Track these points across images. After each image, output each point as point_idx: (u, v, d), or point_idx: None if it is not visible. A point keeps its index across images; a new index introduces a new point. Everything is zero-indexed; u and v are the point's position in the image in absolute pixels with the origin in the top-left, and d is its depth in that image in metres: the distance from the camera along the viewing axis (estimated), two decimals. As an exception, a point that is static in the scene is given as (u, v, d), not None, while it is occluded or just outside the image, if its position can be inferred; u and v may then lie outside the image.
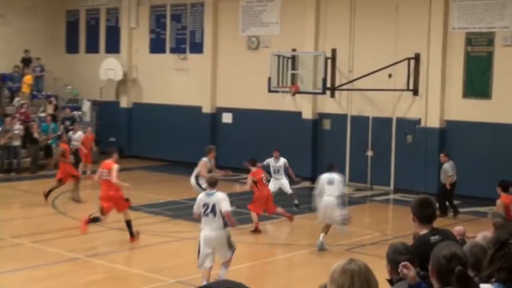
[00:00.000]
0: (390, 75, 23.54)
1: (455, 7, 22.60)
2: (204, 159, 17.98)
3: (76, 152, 26.81)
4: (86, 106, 30.96)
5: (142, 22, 31.21)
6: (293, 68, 23.46)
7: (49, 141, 26.96)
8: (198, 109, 28.92)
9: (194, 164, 27.39)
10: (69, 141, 27.46)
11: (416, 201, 6.68)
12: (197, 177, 17.99)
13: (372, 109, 24.40)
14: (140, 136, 30.65)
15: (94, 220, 15.99)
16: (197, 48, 29.22)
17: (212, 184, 12.36)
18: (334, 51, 24.33)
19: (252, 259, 15.28)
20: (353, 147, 24.79)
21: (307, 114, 25.79)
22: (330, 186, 15.32)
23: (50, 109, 29.35)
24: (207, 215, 12.08)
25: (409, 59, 23.12)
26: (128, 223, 16.05)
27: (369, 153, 24.47)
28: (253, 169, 17.80)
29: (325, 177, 15.53)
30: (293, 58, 23.65)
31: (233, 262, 12.73)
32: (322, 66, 22.74)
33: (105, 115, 31.12)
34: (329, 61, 23.68)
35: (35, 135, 26.70)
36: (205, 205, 12.10)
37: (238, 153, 25.36)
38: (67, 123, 28.53)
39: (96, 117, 31.10)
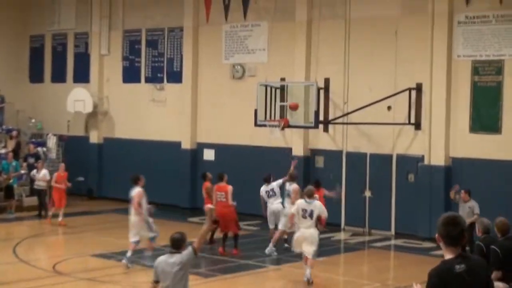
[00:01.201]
0: (389, 107, 23.69)
1: (460, 33, 22.83)
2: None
3: (40, 193, 26.76)
4: (52, 141, 30.92)
5: (114, 49, 31.33)
6: (282, 99, 23.51)
7: (10, 181, 26.84)
8: (177, 145, 28.94)
9: (173, 206, 27.47)
10: (32, 181, 27.43)
11: (441, 218, 6.28)
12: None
13: (369, 144, 24.50)
14: (111, 175, 30.57)
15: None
16: (176, 77, 29.34)
17: (310, 195, 17.02)
18: (327, 81, 24.48)
19: None
20: (349, 187, 24.82)
21: (298, 150, 25.85)
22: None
23: (11, 145, 29.27)
24: (305, 217, 16.75)
25: (410, 89, 23.29)
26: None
27: (367, 193, 24.52)
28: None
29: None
30: (282, 88, 23.73)
31: None
32: (314, 97, 22.83)
33: (73, 151, 31.03)
34: (321, 92, 23.80)
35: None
36: (304, 210, 16.77)
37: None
38: (31, 160, 28.43)
39: (62, 154, 31.02)
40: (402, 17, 23.84)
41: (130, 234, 18.38)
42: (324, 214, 17.14)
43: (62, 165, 26.28)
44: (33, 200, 27.41)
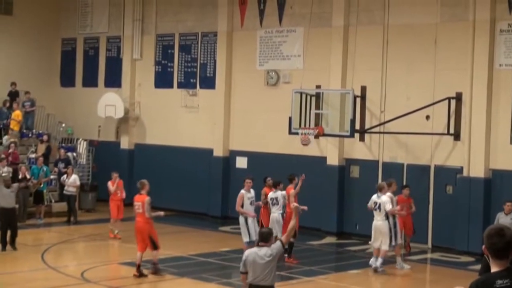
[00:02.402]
0: (427, 117, 23.57)
1: (502, 41, 22.65)
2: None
3: (69, 199, 26.95)
4: (82, 146, 31.13)
5: (146, 53, 31.50)
6: (317, 107, 23.51)
7: (41, 186, 27.04)
8: (208, 152, 29.00)
9: (203, 215, 27.52)
10: (61, 186, 27.63)
11: (487, 229, 6.13)
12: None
13: (406, 155, 24.39)
14: (142, 181, 30.64)
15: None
16: (209, 83, 29.42)
17: (380, 189, 19.57)
18: (363, 89, 24.43)
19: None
20: (384, 198, 24.67)
21: (333, 160, 25.79)
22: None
23: (41, 150, 29.50)
24: (376, 209, 19.34)
25: (449, 98, 23.16)
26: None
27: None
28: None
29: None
30: (317, 95, 23.73)
31: None
32: (350, 105, 22.78)
33: (103, 157, 31.25)
34: (358, 100, 23.75)
35: (26, 179, 26.63)
36: (375, 203, 19.35)
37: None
38: (61, 165, 28.64)
39: (93, 160, 31.26)
40: (441, 25, 23.72)
41: None
42: (387, 206, 19.30)
43: (115, 174, 24.73)
44: (62, 206, 27.62)
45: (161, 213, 18.71)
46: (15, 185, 21.99)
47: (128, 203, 29.40)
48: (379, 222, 19.45)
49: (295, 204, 12.32)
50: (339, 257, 23.00)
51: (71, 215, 26.90)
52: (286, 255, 19.87)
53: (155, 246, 18.18)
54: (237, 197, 19.95)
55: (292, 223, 11.71)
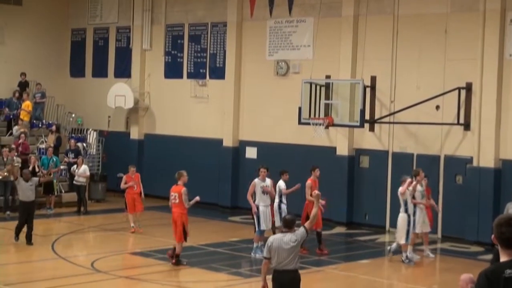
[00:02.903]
0: (437, 107, 23.56)
1: (513, 31, 22.62)
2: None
3: (79, 189, 27.06)
4: (92, 137, 31.24)
5: (156, 43, 31.55)
6: (327, 97, 23.54)
7: (51, 176, 27.13)
8: (218, 142, 29.06)
9: (212, 205, 27.60)
10: (71, 176, 27.73)
11: (496, 219, 6.14)
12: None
13: (416, 145, 24.39)
14: (152, 172, 30.74)
15: None
16: (218, 73, 29.45)
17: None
18: (373, 79, 24.40)
19: None
20: (394, 188, 24.63)
21: (343, 150, 25.81)
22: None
23: (51, 140, 29.59)
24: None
25: (459, 88, 23.13)
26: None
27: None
28: None
29: None
30: (327, 86, 23.74)
31: None
32: (360, 95, 22.79)
33: (113, 147, 31.37)
34: (368, 90, 23.75)
35: (36, 169, 26.74)
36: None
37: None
38: (71, 155, 28.73)
39: (102, 150, 31.36)
40: (452, 15, 23.67)
41: None
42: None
43: (133, 168, 23.97)
44: (72, 196, 27.74)
45: (197, 198, 18.76)
46: (35, 179, 21.99)
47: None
48: (399, 215, 19.61)
49: (317, 192, 12.48)
50: (348, 247, 23.05)
51: (81, 205, 27.03)
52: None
53: (185, 238, 18.46)
54: (250, 185, 20.00)
55: (315, 210, 11.93)
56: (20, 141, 28.03)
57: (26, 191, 20.89)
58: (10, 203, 25.93)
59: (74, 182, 27.43)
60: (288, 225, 11.72)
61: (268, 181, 20.00)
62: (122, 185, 23.61)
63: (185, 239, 18.49)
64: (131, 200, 23.30)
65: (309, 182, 20.16)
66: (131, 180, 23.46)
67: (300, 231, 11.51)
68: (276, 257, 11.38)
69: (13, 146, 27.24)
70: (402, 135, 24.67)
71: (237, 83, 28.80)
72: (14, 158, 26.24)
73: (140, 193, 23.54)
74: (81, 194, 27.15)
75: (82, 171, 27.02)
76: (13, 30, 32.58)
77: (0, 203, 26.07)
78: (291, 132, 26.50)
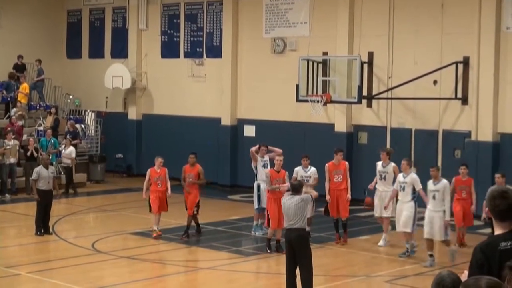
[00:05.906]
0: (435, 82, 23.55)
1: (509, 3, 22.53)
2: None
3: (66, 170, 26.94)
4: (90, 118, 31.24)
5: (152, 23, 31.47)
6: (324, 74, 23.52)
7: (50, 158, 27.08)
8: (216, 121, 29.07)
9: (212, 184, 27.58)
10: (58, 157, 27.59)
11: (489, 191, 6.14)
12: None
13: (414, 120, 24.40)
14: (150, 152, 30.63)
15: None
16: (215, 52, 29.41)
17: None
18: (370, 55, 24.35)
19: None
20: (393, 164, 24.71)
21: (341, 127, 25.83)
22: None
23: (49, 122, 29.57)
24: (400, 191, 18.10)
25: (456, 63, 23.10)
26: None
27: (412, 170, 24.35)
28: None
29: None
30: (324, 62, 23.72)
31: None
32: (357, 71, 22.78)
33: (111, 128, 31.37)
34: (365, 66, 23.70)
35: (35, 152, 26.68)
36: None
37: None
38: (69, 137, 28.71)
39: (101, 131, 31.36)
40: (448, -12, 23.62)
41: None
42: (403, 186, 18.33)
43: (160, 159, 20.26)
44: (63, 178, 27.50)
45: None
46: (52, 167, 21.39)
47: (140, 173, 29.45)
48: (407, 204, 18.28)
49: (316, 193, 14.32)
50: (348, 223, 23.05)
51: (68, 186, 26.93)
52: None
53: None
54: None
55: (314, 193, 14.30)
56: (14, 122, 27.85)
57: (46, 179, 19.58)
58: (9, 186, 25.92)
59: (61, 164, 27.33)
60: (295, 189, 13.52)
61: (267, 157, 19.96)
62: (145, 185, 20.01)
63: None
64: (156, 199, 19.53)
65: (327, 165, 19.82)
66: (156, 175, 19.80)
67: (306, 195, 13.39)
68: (286, 217, 13.31)
69: (9, 128, 27.05)
70: (400, 110, 24.67)
71: (234, 62, 28.76)
72: (5, 141, 26.14)
73: (166, 190, 19.80)
74: (69, 175, 27.02)
75: (68, 152, 26.93)
76: (8, 13, 32.46)
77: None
78: (289, 110, 26.49)
